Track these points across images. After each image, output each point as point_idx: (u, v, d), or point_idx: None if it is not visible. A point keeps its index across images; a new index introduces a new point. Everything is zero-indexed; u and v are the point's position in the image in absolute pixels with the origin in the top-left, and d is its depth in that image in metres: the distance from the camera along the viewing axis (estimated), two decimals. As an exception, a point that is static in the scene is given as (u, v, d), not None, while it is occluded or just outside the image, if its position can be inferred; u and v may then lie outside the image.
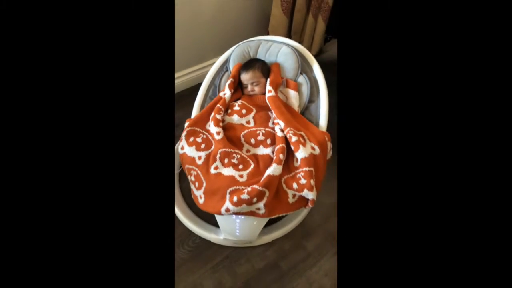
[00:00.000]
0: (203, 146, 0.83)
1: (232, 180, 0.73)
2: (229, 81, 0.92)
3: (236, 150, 0.79)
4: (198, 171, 0.80)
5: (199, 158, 0.82)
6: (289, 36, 1.29)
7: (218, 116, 0.84)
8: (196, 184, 0.79)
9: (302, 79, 0.92)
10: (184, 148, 0.84)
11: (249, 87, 0.93)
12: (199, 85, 1.00)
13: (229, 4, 1.14)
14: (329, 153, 0.82)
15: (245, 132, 0.83)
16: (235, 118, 0.86)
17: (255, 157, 0.80)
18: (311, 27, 1.22)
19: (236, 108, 0.88)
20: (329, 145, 0.81)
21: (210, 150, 0.82)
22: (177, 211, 0.86)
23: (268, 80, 0.90)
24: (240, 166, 0.77)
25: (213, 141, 0.83)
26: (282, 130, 0.79)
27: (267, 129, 0.83)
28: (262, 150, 0.80)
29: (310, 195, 0.71)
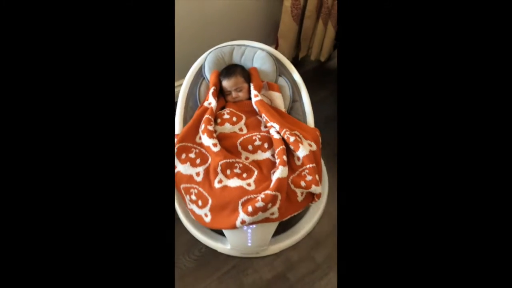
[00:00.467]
0: (198, 161, 0.78)
1: (241, 190, 0.71)
2: (211, 90, 0.88)
3: (237, 159, 0.76)
4: (199, 188, 0.74)
5: (197, 174, 0.76)
6: (298, 42, 1.27)
7: (210, 127, 0.79)
8: (199, 202, 0.74)
9: (282, 81, 0.95)
10: (177, 166, 0.77)
11: (233, 94, 0.90)
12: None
13: (236, 6, 1.08)
14: None
15: (240, 139, 0.81)
16: (227, 127, 0.83)
17: (257, 163, 0.79)
18: (321, 33, 1.22)
19: (226, 116, 0.85)
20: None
21: (207, 164, 0.77)
22: (183, 219, 0.80)
23: (252, 84, 0.90)
24: (245, 175, 0.75)
25: (208, 154, 0.79)
26: (278, 132, 0.80)
27: (261, 133, 0.82)
28: (262, 155, 0.80)
29: (318, 189, 0.74)
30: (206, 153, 0.79)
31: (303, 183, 0.73)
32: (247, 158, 0.80)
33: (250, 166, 0.77)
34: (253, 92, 0.88)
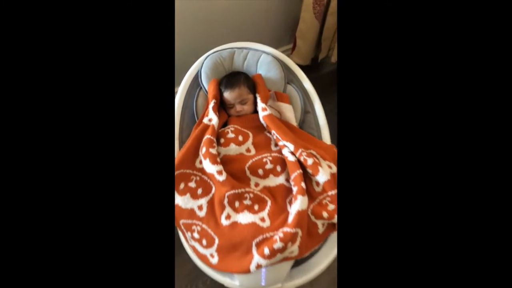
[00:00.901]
0: (200, 191, 0.65)
1: (254, 228, 0.59)
2: (212, 103, 0.75)
3: (247, 189, 0.64)
4: (203, 225, 0.62)
5: (200, 208, 0.64)
6: (319, 41, 1.15)
7: (213, 150, 0.67)
8: (204, 241, 0.62)
9: (291, 89, 0.83)
10: (175, 199, 0.64)
11: (237, 107, 0.78)
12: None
13: (245, 4, 0.94)
14: None
15: (249, 163, 0.69)
16: (232, 148, 0.71)
17: (269, 191, 0.67)
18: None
19: (231, 135, 0.72)
20: None
21: (210, 195, 0.65)
22: (186, 246, 0.68)
23: (258, 96, 0.77)
24: (256, 207, 0.64)
25: (211, 183, 0.66)
26: (292, 153, 0.69)
27: (273, 154, 0.71)
28: (274, 180, 0.68)
29: None
30: (208, 180, 0.67)
31: (325, 214, 0.63)
32: (257, 185, 0.68)
33: (262, 195, 0.65)
34: (260, 105, 0.76)
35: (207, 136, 0.69)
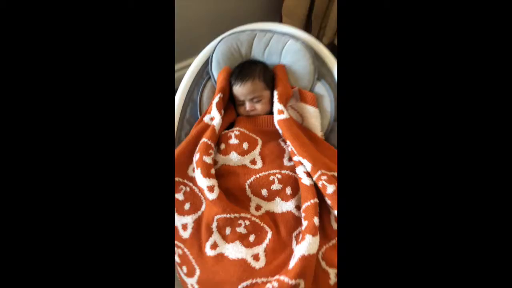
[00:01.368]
0: (187, 206, 0.54)
1: (244, 268, 0.46)
2: (216, 98, 0.61)
3: (242, 214, 0.51)
4: (185, 250, 0.51)
5: (184, 227, 0.53)
6: (309, 20, 0.99)
7: (207, 159, 0.54)
8: (184, 269, 0.51)
9: (321, 87, 0.65)
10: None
11: (248, 105, 0.63)
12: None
13: None
14: None
15: (251, 179, 0.55)
16: (233, 158, 0.57)
17: (272, 219, 0.53)
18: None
19: (234, 141, 0.58)
20: None
21: (199, 213, 0.53)
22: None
23: (276, 93, 0.61)
24: (252, 238, 0.50)
25: (202, 198, 0.54)
26: (309, 175, 0.53)
27: (283, 171, 0.55)
28: (281, 206, 0.54)
29: None
30: (199, 194, 0.55)
31: (341, 263, 0.47)
32: (258, 208, 0.54)
33: (262, 224, 0.51)
34: (277, 105, 0.60)
35: (203, 139, 0.56)
